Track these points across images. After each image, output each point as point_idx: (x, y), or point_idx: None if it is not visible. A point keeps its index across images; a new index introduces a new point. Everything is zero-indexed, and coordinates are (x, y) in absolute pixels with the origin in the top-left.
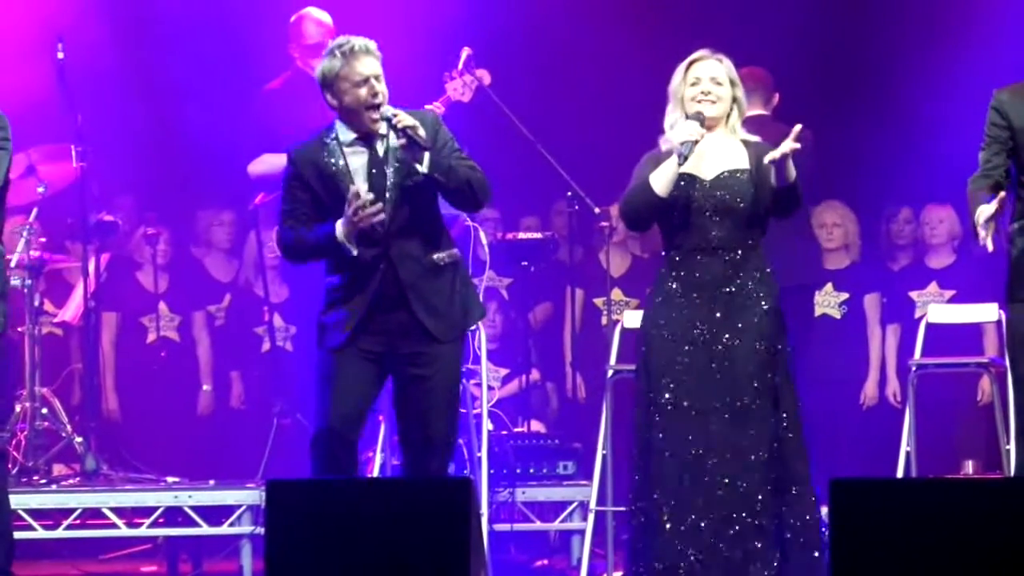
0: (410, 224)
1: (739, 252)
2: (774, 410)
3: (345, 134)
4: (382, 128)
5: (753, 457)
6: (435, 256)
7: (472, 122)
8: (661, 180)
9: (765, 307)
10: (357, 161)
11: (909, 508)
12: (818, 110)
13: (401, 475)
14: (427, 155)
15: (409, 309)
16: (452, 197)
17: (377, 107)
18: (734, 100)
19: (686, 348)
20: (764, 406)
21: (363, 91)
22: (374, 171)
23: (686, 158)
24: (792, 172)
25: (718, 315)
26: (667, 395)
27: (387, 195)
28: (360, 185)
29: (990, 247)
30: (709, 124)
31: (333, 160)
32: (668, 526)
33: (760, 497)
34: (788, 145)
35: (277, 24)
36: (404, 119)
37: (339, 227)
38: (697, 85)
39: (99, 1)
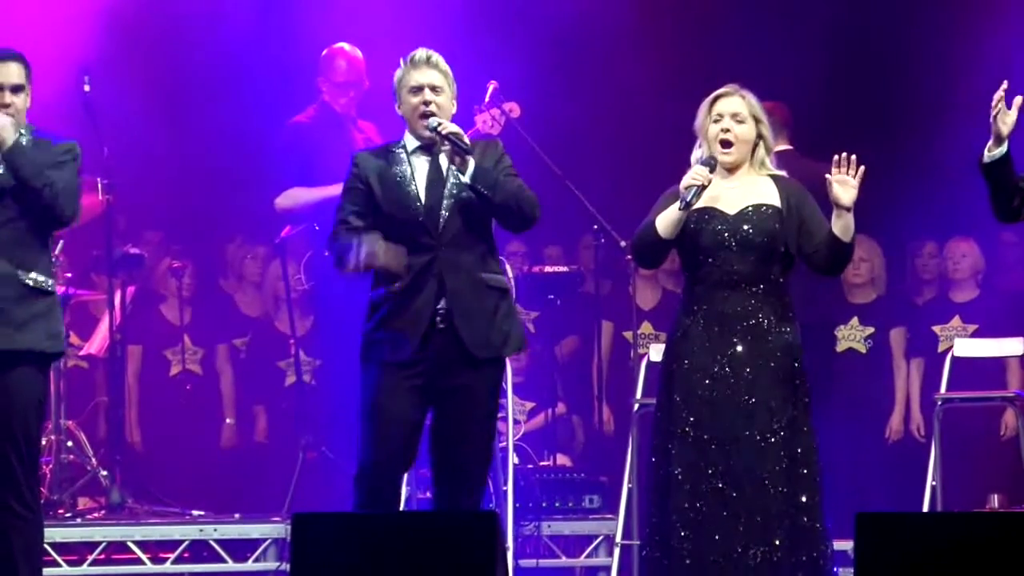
0: (462, 237)
1: (761, 287)
2: (792, 444)
3: (411, 142)
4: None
5: (772, 491)
6: (483, 275)
7: None
8: (666, 224)
9: (786, 341)
10: (420, 168)
11: (935, 542)
12: (841, 145)
13: (431, 508)
14: (471, 163)
15: (450, 322)
16: (499, 212)
17: (428, 116)
18: (759, 136)
19: (707, 382)
20: (783, 440)
21: (416, 99)
22: (434, 180)
23: (689, 203)
24: (852, 223)
25: (739, 349)
26: (687, 428)
27: (444, 203)
28: (420, 192)
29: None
30: (733, 164)
31: (398, 165)
32: (688, 561)
33: (778, 531)
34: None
35: (305, 56)
36: (448, 126)
37: (369, 240)
38: (719, 122)
39: (125, 34)
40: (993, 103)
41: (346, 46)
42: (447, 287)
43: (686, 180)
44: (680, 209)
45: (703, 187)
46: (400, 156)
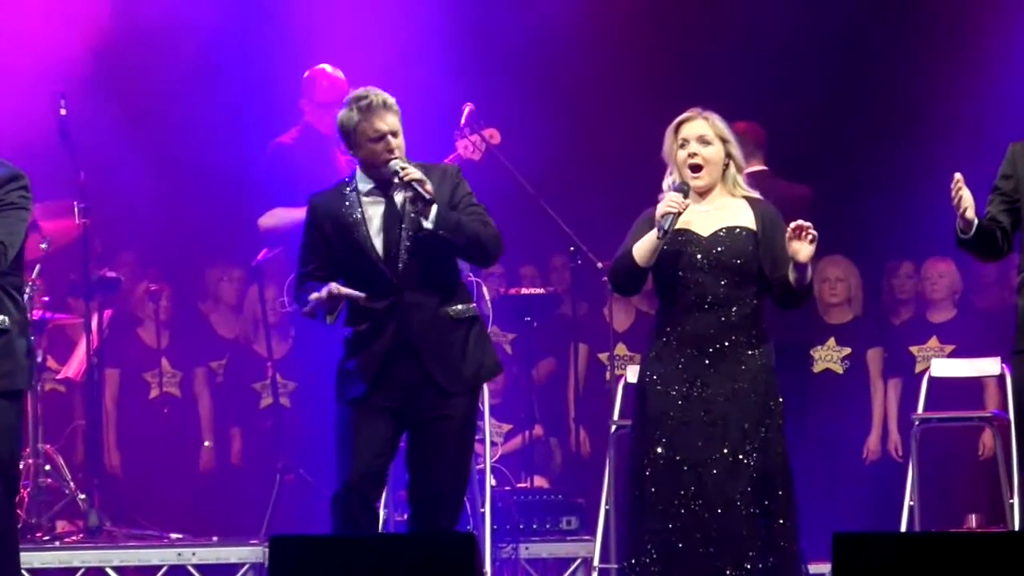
0: (424, 276)
1: (734, 309)
2: (765, 466)
3: (364, 183)
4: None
5: (744, 512)
6: (449, 309)
7: (476, 175)
8: (642, 252)
9: (759, 363)
10: (374, 212)
11: (912, 563)
12: (819, 164)
13: (407, 531)
14: (434, 209)
15: (420, 360)
16: (460, 253)
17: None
18: (728, 156)
19: (679, 403)
20: (755, 461)
21: (379, 147)
22: (389, 222)
23: (666, 232)
24: (809, 274)
25: (712, 370)
26: (659, 449)
27: (401, 246)
28: (375, 238)
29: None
30: (705, 188)
31: (351, 211)
32: None
33: (750, 553)
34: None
35: (285, 77)
36: (411, 172)
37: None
38: (685, 147)
39: (102, 57)
40: (953, 194)
41: (328, 67)
42: (413, 329)
43: (661, 208)
44: (658, 238)
45: (679, 214)
46: (353, 199)
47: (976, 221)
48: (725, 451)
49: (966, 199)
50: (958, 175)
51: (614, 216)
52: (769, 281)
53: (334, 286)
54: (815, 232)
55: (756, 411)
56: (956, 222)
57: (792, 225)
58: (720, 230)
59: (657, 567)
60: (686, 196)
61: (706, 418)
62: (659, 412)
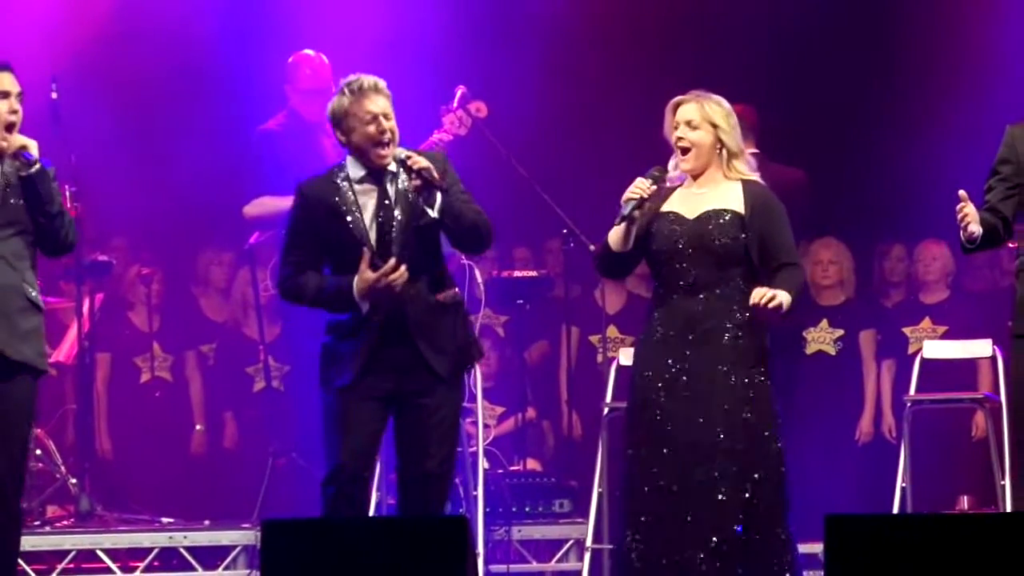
0: (415, 265)
1: (717, 291)
2: (749, 448)
3: (355, 171)
4: (392, 165)
5: (728, 495)
6: (439, 296)
7: (468, 157)
8: (615, 238)
9: (742, 345)
10: (366, 200)
11: (905, 544)
12: (813, 145)
13: (397, 512)
14: (439, 197)
15: (414, 346)
16: (458, 240)
17: (385, 144)
18: (720, 140)
19: (662, 386)
20: (740, 443)
21: (371, 128)
22: (382, 212)
23: (626, 217)
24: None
25: (696, 352)
26: (644, 432)
27: (394, 235)
28: (368, 227)
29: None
30: (693, 171)
31: (343, 200)
32: (638, 565)
33: (733, 535)
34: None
35: (275, 61)
36: (418, 161)
37: (355, 285)
38: (677, 129)
39: (93, 41)
40: (958, 215)
41: (311, 52)
42: (408, 315)
43: (626, 193)
44: (617, 223)
45: (644, 199)
46: (344, 188)
47: (979, 232)
48: (709, 434)
49: (970, 215)
50: (963, 192)
51: (609, 199)
52: (763, 271)
53: (362, 282)
54: (778, 301)
55: (741, 393)
56: (960, 234)
57: (752, 301)
58: (706, 212)
59: (642, 548)
60: (656, 182)
61: (689, 401)
62: (645, 395)
